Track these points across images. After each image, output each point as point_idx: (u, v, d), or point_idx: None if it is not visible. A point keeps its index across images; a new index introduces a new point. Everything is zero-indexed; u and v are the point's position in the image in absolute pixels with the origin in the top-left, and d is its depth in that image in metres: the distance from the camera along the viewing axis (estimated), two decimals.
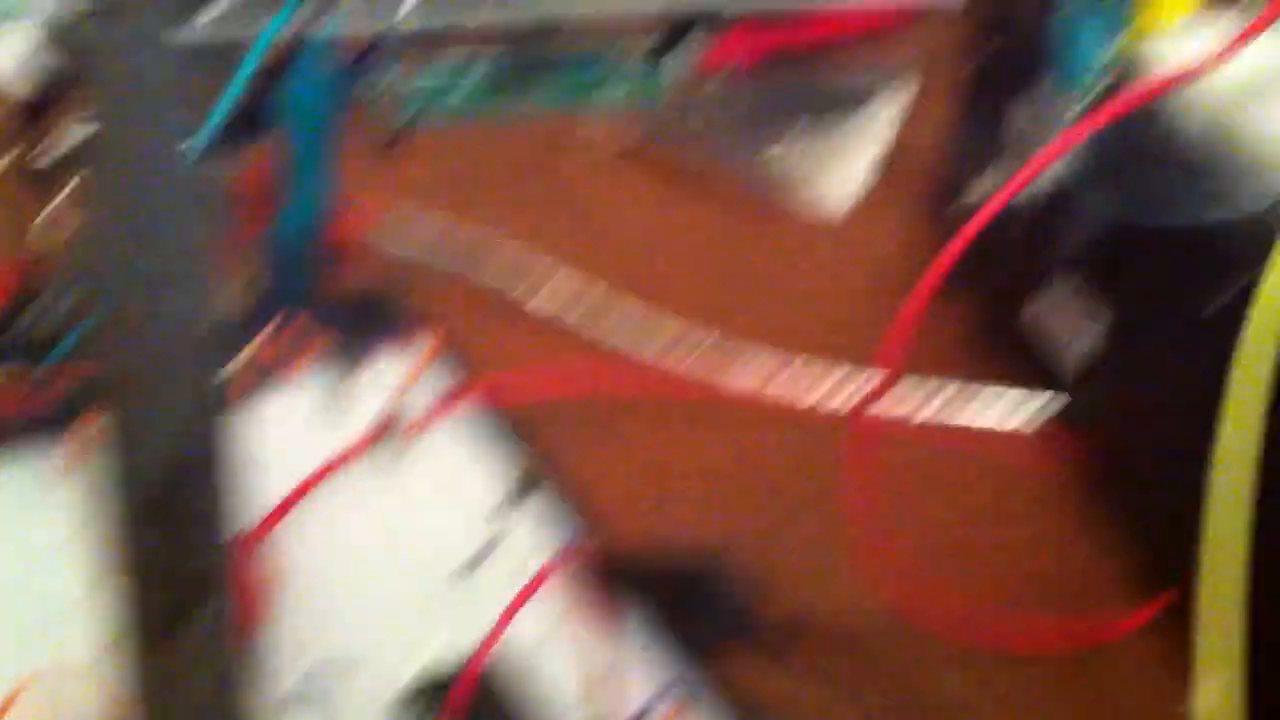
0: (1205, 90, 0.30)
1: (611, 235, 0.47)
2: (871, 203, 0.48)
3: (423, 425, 0.33)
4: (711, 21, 0.57)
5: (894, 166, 0.49)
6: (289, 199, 0.37)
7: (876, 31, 0.60)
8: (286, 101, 0.36)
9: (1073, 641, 0.33)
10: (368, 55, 0.53)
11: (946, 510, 0.35)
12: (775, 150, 0.48)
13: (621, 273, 0.45)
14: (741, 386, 0.39)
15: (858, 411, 0.30)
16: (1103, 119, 0.30)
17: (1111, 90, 0.33)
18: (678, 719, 0.29)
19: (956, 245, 0.29)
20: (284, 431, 0.33)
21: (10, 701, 0.27)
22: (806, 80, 0.53)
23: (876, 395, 0.29)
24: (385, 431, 0.32)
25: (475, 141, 0.51)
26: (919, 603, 0.32)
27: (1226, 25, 0.30)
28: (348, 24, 0.52)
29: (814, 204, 0.48)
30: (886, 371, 0.29)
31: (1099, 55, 0.34)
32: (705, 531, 0.33)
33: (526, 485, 0.31)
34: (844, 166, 0.49)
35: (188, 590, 0.21)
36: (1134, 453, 0.33)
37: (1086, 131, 0.30)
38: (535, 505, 0.31)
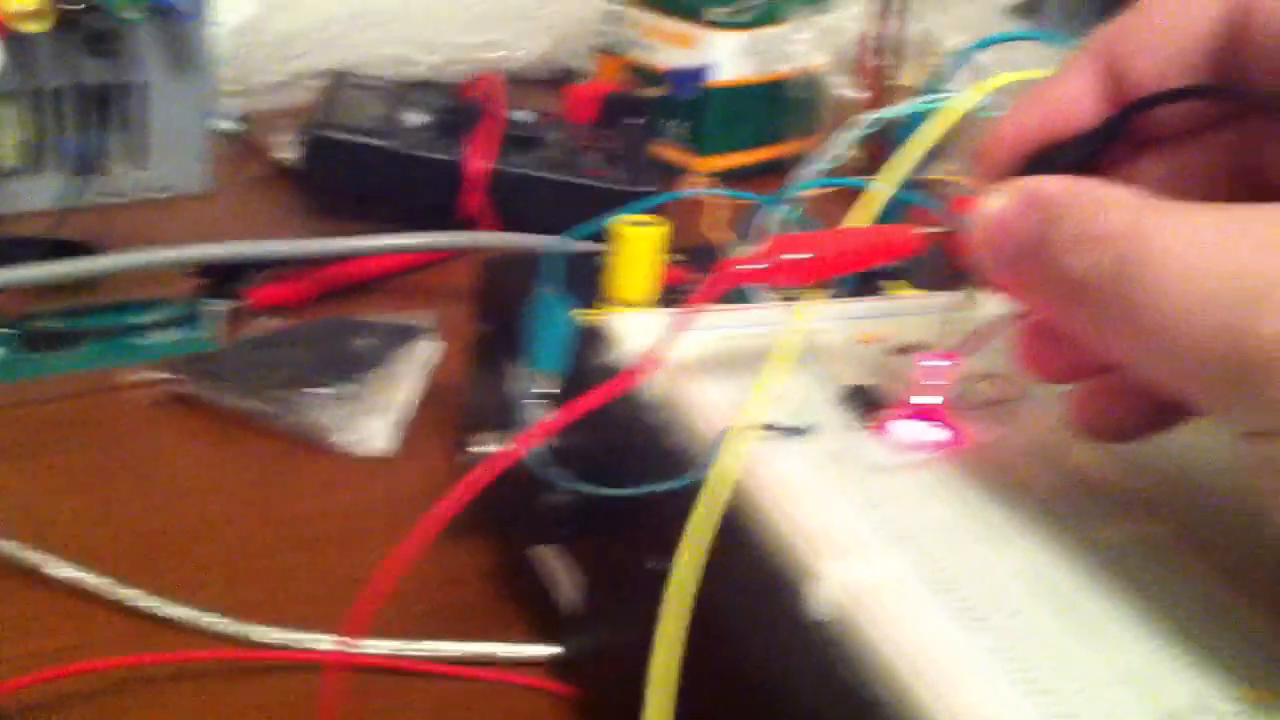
0: (655, 373, 0.34)
1: (150, 486, 0.47)
2: (414, 445, 0.51)
3: None
4: (254, 267, 0.59)
5: (431, 410, 0.52)
6: None
7: (407, 273, 0.63)
8: None
9: None
10: None
11: None
12: (318, 392, 0.50)
13: (157, 525, 0.45)
14: (269, 641, 0.40)
15: (338, 658, 0.31)
16: (569, 400, 0.33)
17: (576, 372, 0.38)
18: None
19: (447, 505, 0.31)
20: None
21: None
22: (346, 324, 0.56)
23: (354, 636, 0.30)
24: None
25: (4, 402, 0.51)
26: None
27: (676, 312, 0.34)
28: None
29: (356, 446, 0.50)
30: (365, 617, 0.30)
31: (564, 338, 0.38)
32: None
33: None
34: (382, 409, 0.51)
35: None
36: (616, 700, 0.36)
37: (557, 410, 0.34)
38: None
